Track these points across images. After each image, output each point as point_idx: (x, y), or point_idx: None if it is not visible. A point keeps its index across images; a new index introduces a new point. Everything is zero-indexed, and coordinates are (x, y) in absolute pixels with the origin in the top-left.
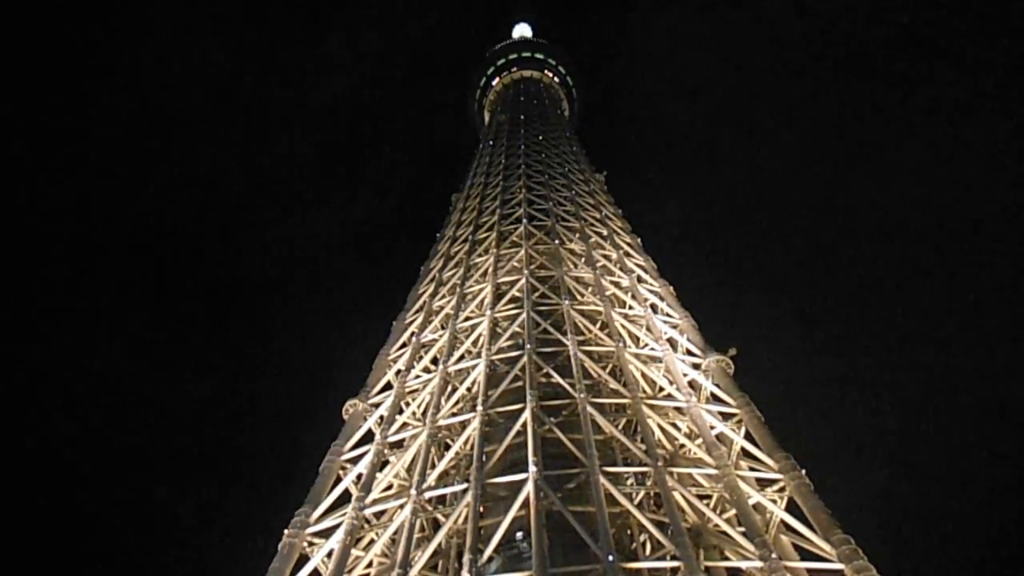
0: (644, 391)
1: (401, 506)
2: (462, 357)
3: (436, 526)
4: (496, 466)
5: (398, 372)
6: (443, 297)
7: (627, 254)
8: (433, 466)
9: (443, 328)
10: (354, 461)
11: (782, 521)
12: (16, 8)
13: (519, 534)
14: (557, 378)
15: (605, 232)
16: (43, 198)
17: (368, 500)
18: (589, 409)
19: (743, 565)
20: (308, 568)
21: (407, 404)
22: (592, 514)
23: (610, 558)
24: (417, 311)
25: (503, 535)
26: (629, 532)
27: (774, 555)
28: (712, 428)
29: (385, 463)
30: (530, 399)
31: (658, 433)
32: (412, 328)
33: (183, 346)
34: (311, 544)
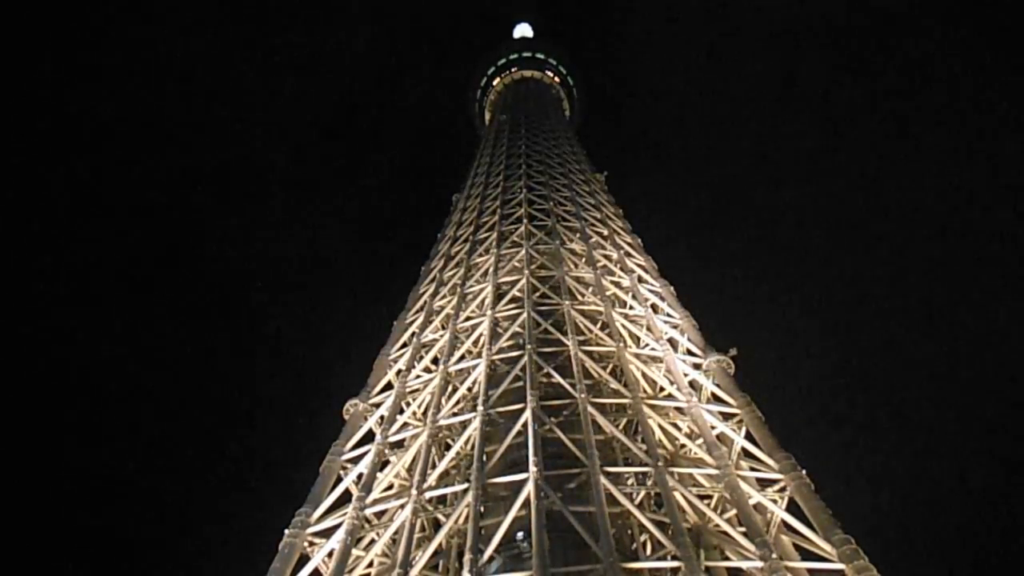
0: (645, 391)
1: (402, 506)
2: (463, 357)
3: (437, 526)
4: (496, 466)
5: (399, 372)
6: (444, 297)
7: (627, 254)
8: (434, 466)
9: (444, 328)
10: (354, 461)
11: (783, 521)
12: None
13: (519, 534)
14: (557, 378)
15: (606, 232)
16: (43, 198)
17: (369, 500)
18: (590, 409)
19: (744, 565)
20: (308, 568)
21: (407, 404)
22: (592, 514)
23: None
24: (418, 311)
25: (503, 535)
26: (630, 532)
27: (775, 555)
28: (713, 428)
29: (385, 463)
30: (530, 399)
31: (659, 433)
32: (413, 328)
33: (182, 346)
34: (312, 544)
